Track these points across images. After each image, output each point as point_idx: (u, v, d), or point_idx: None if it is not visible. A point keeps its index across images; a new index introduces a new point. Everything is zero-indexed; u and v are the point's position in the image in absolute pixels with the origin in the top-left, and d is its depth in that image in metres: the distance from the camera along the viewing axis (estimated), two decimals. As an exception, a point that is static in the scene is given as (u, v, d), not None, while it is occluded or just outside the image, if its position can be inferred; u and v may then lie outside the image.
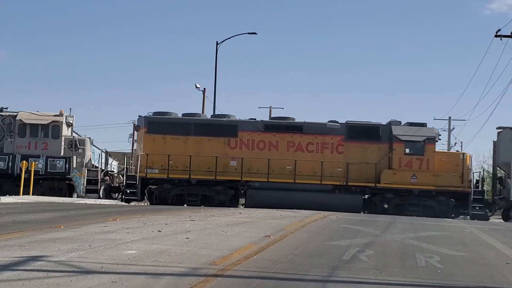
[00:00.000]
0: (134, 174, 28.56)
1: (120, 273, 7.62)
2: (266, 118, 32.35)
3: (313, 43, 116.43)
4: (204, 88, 44.50)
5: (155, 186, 29.01)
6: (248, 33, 41.76)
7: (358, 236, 13.74)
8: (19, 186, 27.43)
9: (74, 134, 30.21)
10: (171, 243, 10.51)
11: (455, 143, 65.32)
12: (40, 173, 27.90)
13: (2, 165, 27.88)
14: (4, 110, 29.37)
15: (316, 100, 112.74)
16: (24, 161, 27.79)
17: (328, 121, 29.44)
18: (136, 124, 30.43)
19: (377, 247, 11.76)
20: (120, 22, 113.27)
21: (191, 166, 28.31)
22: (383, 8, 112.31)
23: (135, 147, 35.52)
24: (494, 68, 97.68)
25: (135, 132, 30.64)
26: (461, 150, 69.59)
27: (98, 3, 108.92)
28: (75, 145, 28.65)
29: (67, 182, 28.93)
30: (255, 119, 29.80)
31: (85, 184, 28.38)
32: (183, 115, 29.90)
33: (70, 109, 29.10)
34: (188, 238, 11.36)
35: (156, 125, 29.18)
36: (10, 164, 27.82)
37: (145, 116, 29.72)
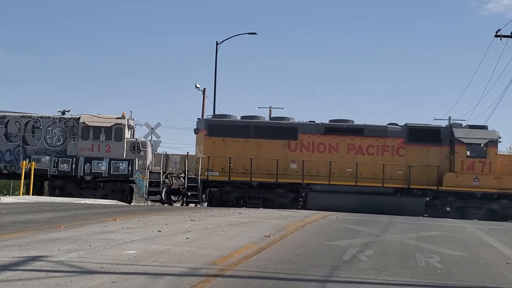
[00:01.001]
0: (194, 176, 28.72)
1: (120, 273, 7.62)
2: (267, 118, 32.29)
3: (313, 43, 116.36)
4: (204, 88, 44.51)
5: (216, 189, 29.13)
6: (248, 33, 41.77)
7: (358, 236, 13.74)
8: (83, 188, 27.83)
9: (136, 137, 30.23)
10: (171, 243, 10.51)
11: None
12: (103, 175, 27.91)
13: (65, 167, 27.78)
14: (66, 112, 29.45)
15: (316, 100, 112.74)
16: (24, 161, 27.76)
17: (388, 124, 29.53)
18: (196, 127, 30.45)
19: (377, 247, 11.76)
20: (119, 22, 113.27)
21: (252, 169, 28.47)
22: (383, 8, 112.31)
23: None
24: (494, 68, 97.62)
25: (195, 135, 30.65)
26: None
27: (98, 2, 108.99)
28: (138, 147, 28.63)
29: (129, 184, 29.02)
30: (314, 121, 29.89)
31: (147, 186, 28.41)
32: (242, 117, 30.06)
33: (131, 112, 29.14)
34: (188, 238, 11.36)
35: (216, 127, 29.29)
36: (73, 166, 27.77)
37: (205, 119, 29.98)
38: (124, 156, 28.28)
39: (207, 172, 28.50)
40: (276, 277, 8.06)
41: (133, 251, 9.35)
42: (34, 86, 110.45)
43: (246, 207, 26.57)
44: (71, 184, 28.33)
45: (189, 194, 28.52)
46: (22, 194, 27.08)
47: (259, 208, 26.32)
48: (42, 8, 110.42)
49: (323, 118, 34.05)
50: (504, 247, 13.27)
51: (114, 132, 28.35)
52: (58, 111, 29.61)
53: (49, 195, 28.36)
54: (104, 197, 27.79)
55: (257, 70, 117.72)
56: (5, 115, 28.80)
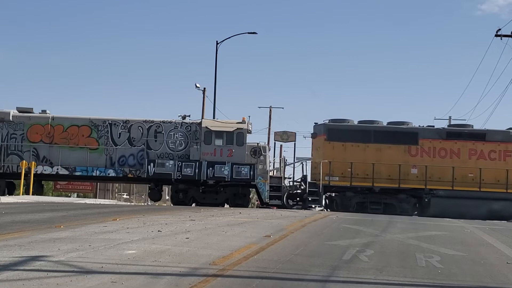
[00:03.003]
0: (314, 181, 28.77)
1: (120, 273, 7.61)
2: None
3: (312, 43, 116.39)
4: (204, 88, 44.50)
5: (336, 194, 29.18)
6: (248, 33, 41.75)
7: (358, 236, 13.73)
8: (205, 192, 28.08)
9: (258, 142, 30.36)
10: (171, 243, 10.50)
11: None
12: (226, 179, 27.93)
13: (189, 171, 27.84)
14: (187, 117, 29.53)
15: (316, 100, 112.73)
16: (24, 161, 27.74)
17: (508, 128, 29.57)
18: (313, 131, 30.52)
19: (377, 247, 11.75)
20: (119, 21, 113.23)
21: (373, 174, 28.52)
22: (382, 8, 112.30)
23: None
24: (494, 68, 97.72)
25: (312, 139, 30.73)
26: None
27: (99, 2, 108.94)
28: (259, 152, 28.70)
29: (250, 188, 29.09)
30: (433, 126, 30.22)
31: (269, 191, 28.44)
32: (359, 122, 30.16)
33: (249, 116, 29.18)
34: (188, 238, 11.35)
35: (335, 132, 29.43)
36: (196, 170, 27.83)
37: (323, 124, 30.00)
38: (245, 161, 28.28)
39: (329, 177, 28.60)
40: (276, 277, 8.05)
41: (133, 251, 9.35)
42: (33, 86, 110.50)
43: (368, 213, 26.58)
44: (194, 188, 28.48)
45: (310, 199, 28.69)
46: (22, 194, 27.05)
47: (382, 214, 26.45)
48: (41, 7, 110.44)
49: (323, 118, 34.14)
50: (504, 246, 13.26)
51: (236, 136, 28.27)
52: (179, 116, 29.86)
53: (172, 199, 28.69)
54: (226, 201, 28.08)
55: (257, 70, 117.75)
56: (128, 120, 28.95)
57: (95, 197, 41.12)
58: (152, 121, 28.74)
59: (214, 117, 40.47)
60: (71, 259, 8.40)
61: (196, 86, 43.61)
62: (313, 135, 30.42)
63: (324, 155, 29.03)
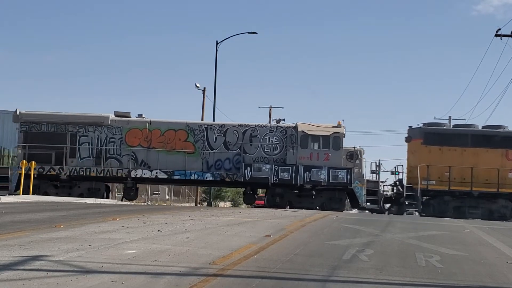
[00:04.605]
0: (411, 185, 28.70)
1: (120, 272, 7.61)
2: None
3: (312, 43, 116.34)
4: (204, 88, 44.51)
5: (432, 198, 29.14)
6: (248, 33, 41.76)
7: (358, 235, 13.73)
8: (301, 196, 28.17)
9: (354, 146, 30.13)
10: (171, 243, 10.50)
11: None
12: (322, 183, 27.88)
13: (286, 175, 27.84)
14: (281, 121, 29.45)
15: (315, 100, 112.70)
16: (24, 161, 27.71)
17: None
18: (407, 135, 30.46)
19: (377, 247, 11.75)
20: (118, 20, 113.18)
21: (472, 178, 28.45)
22: (382, 8, 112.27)
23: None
24: (494, 68, 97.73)
25: (406, 143, 30.68)
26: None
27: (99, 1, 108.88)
28: (355, 156, 28.54)
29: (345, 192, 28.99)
30: None
31: (366, 195, 28.41)
32: (454, 126, 30.33)
33: (343, 120, 29.10)
34: (188, 237, 11.35)
35: (432, 136, 29.39)
36: (293, 174, 27.80)
37: (419, 127, 29.97)
38: (342, 165, 28.18)
39: (426, 181, 28.51)
40: (276, 277, 8.05)
41: (133, 251, 9.35)
42: (33, 85, 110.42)
43: (465, 218, 26.52)
44: (290, 192, 28.52)
45: (407, 203, 28.64)
46: (22, 194, 27.05)
47: (480, 219, 26.41)
48: (43, 7, 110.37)
49: (322, 117, 34.17)
50: (504, 246, 13.27)
51: (332, 140, 28.22)
52: (273, 120, 29.67)
53: (268, 203, 28.65)
54: (321, 205, 28.03)
55: (257, 70, 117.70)
56: (224, 124, 29.17)
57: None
58: (248, 125, 28.87)
59: (214, 117, 40.54)
60: (71, 258, 8.40)
61: (196, 86, 43.62)
62: (408, 139, 30.36)
63: (420, 159, 28.97)
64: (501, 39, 27.15)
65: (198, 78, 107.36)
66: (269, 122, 54.20)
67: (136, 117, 29.40)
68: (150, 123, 28.83)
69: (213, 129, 28.78)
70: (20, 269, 7.51)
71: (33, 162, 28.32)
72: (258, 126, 28.90)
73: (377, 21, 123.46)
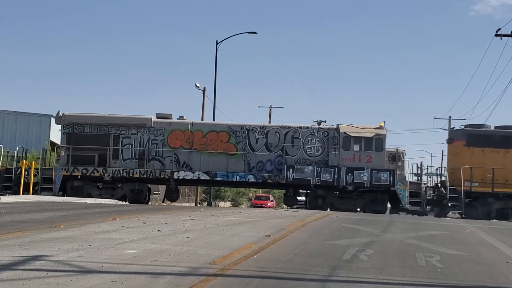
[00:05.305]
0: (453, 186, 28.65)
1: (120, 272, 7.61)
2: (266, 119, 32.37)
3: (312, 43, 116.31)
4: (204, 88, 44.50)
5: (474, 200, 29.13)
6: (248, 33, 41.77)
7: (358, 235, 13.72)
8: (343, 198, 28.08)
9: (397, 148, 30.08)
10: (171, 243, 10.50)
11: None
12: (365, 185, 27.84)
13: (328, 177, 27.79)
14: (322, 123, 29.45)
15: (315, 100, 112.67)
16: (24, 160, 27.69)
17: None
18: (449, 137, 30.41)
19: (377, 247, 11.74)
20: (118, 20, 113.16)
21: None
22: (382, 8, 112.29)
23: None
24: (494, 68, 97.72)
25: (447, 145, 30.67)
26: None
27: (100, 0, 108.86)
28: (398, 157, 28.50)
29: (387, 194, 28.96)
30: None
31: (408, 197, 28.32)
32: (496, 127, 30.16)
33: (384, 121, 29.10)
34: (188, 237, 11.35)
35: (475, 138, 29.33)
36: (335, 176, 27.76)
37: (462, 129, 29.98)
38: (384, 166, 28.14)
39: (470, 183, 28.47)
40: (276, 277, 8.05)
41: (133, 251, 9.34)
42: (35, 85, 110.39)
43: (508, 220, 26.55)
44: (332, 194, 28.50)
45: (450, 205, 28.63)
46: (22, 193, 27.05)
47: None
48: (43, 6, 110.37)
49: (322, 117, 34.17)
50: (504, 246, 13.26)
51: (375, 142, 28.19)
52: (314, 122, 29.75)
53: (310, 205, 28.62)
54: (364, 207, 28.00)
55: (257, 70, 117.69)
56: (265, 126, 29.29)
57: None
58: (289, 127, 28.89)
59: (214, 117, 40.54)
60: (71, 258, 8.39)
61: (196, 86, 43.63)
62: (450, 141, 30.38)
63: (463, 160, 28.90)
64: (501, 39, 27.16)
65: (198, 78, 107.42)
66: (269, 122, 54.33)
67: (178, 119, 29.57)
68: (192, 125, 28.97)
69: (255, 131, 28.81)
70: (20, 269, 7.51)
71: (33, 162, 28.31)
72: (300, 127, 28.88)
73: (377, 21, 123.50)
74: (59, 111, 28.78)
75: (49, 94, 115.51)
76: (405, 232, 14.74)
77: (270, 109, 58.14)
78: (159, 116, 29.24)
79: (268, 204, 46.50)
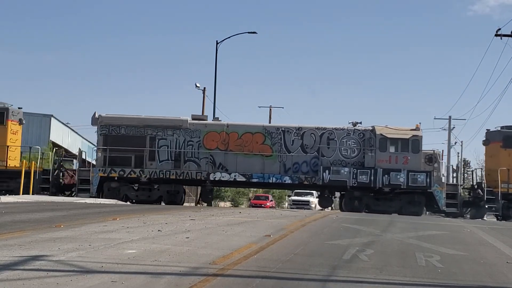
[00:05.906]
0: (490, 188, 28.67)
1: (120, 272, 7.61)
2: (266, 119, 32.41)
3: (312, 43, 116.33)
4: (204, 88, 44.49)
5: (510, 202, 29.01)
6: (248, 32, 41.77)
7: (358, 235, 13.72)
8: (379, 200, 27.99)
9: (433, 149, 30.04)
10: (171, 243, 10.50)
11: (455, 143, 65.30)
12: (402, 187, 27.76)
13: (364, 178, 27.71)
14: (357, 124, 29.41)
15: (315, 99, 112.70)
16: (24, 160, 27.68)
17: None
18: (485, 138, 30.40)
19: (377, 247, 11.74)
20: (119, 20, 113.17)
21: None
22: (382, 7, 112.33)
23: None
24: (494, 68, 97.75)
25: (484, 146, 30.70)
26: (461, 150, 69.65)
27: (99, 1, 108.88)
28: (434, 159, 28.42)
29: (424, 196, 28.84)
30: None
31: (445, 198, 28.26)
32: None
33: (420, 123, 29.05)
34: (188, 237, 11.35)
35: None
36: (372, 178, 27.70)
37: (498, 131, 29.91)
38: (421, 168, 28.06)
39: (507, 185, 28.40)
40: (276, 277, 8.05)
41: (133, 251, 9.34)
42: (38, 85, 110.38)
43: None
44: (368, 195, 28.47)
45: (487, 206, 28.59)
46: (22, 193, 27.05)
47: None
48: (45, 5, 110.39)
49: (321, 116, 34.21)
50: (504, 246, 13.25)
51: (411, 144, 28.10)
52: (349, 123, 29.76)
53: (346, 206, 28.46)
54: (400, 209, 27.91)
55: (257, 69, 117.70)
56: (301, 127, 29.09)
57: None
58: (325, 128, 28.88)
59: (214, 117, 40.52)
60: (71, 258, 8.39)
61: (196, 86, 43.62)
62: (486, 142, 30.24)
63: (499, 162, 28.81)
64: (501, 39, 27.18)
65: (198, 78, 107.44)
66: (269, 122, 54.37)
67: (213, 120, 29.67)
68: (228, 126, 29.00)
69: (290, 132, 28.82)
70: (20, 269, 7.51)
71: (33, 162, 28.27)
72: (335, 129, 28.87)
73: (376, 21, 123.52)
74: (95, 113, 28.76)
75: (49, 94, 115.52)
76: (405, 232, 14.74)
77: (270, 109, 58.17)
78: (194, 117, 29.33)
79: (268, 204, 46.38)
